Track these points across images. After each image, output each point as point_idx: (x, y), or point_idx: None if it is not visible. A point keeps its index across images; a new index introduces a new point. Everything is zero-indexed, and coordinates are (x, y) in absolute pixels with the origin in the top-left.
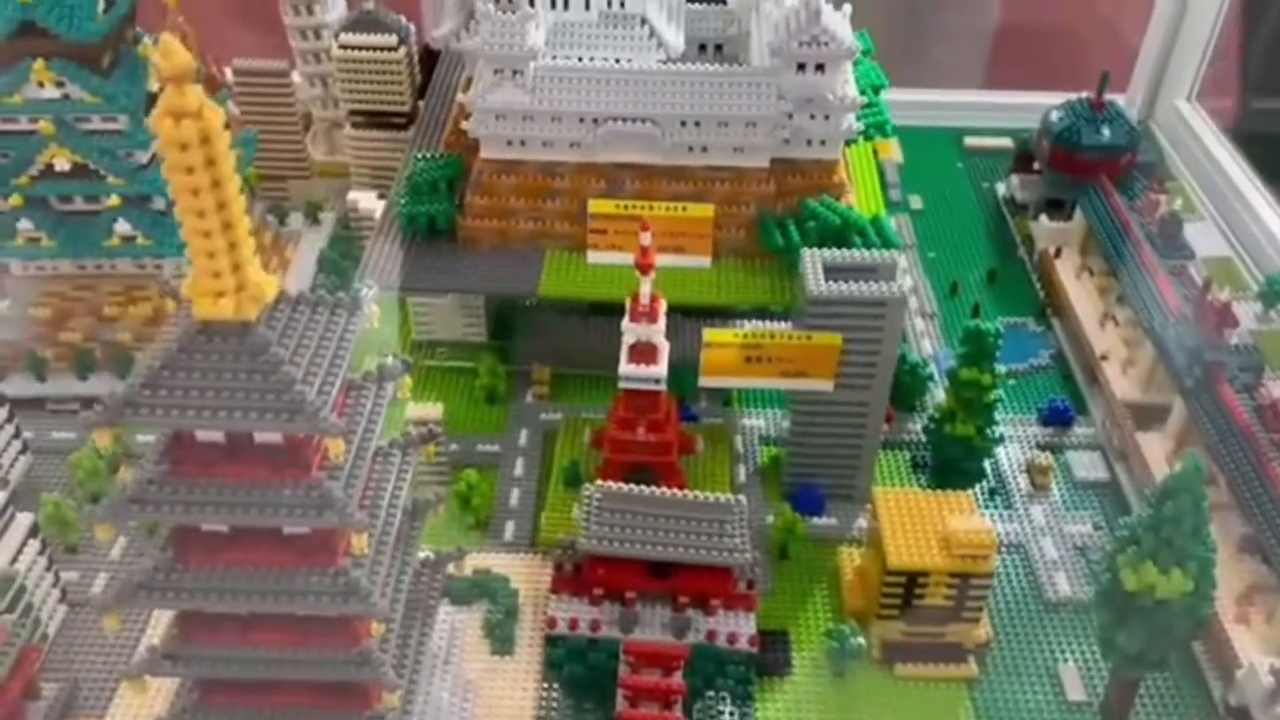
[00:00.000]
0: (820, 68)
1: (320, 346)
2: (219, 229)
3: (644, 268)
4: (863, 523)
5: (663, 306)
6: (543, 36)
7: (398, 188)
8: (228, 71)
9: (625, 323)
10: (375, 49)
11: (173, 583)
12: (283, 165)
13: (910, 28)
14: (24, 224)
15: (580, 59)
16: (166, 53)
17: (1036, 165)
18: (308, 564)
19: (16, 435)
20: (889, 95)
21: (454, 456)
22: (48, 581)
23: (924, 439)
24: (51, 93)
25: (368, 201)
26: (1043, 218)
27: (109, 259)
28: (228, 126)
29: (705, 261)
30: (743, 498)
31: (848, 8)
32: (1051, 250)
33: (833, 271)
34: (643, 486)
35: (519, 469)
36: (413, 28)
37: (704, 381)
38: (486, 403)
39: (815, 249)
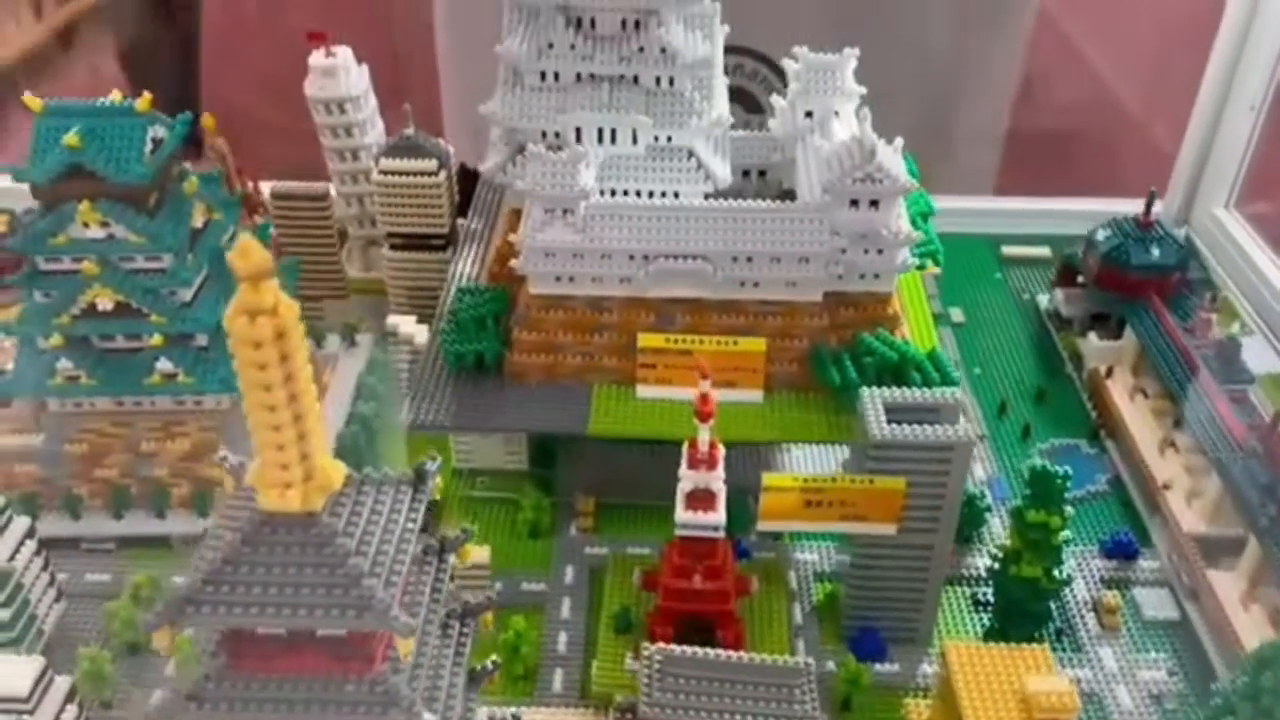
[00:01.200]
0: (874, 204)
1: (386, 531)
2: (289, 422)
3: (703, 415)
4: (927, 669)
5: (721, 453)
6: (593, 175)
7: (441, 322)
8: (265, 190)
9: (683, 469)
10: (416, 174)
11: None
12: (319, 286)
13: (934, 130)
14: (64, 363)
15: (628, 191)
16: (244, 252)
17: (1080, 279)
18: None
19: (51, 582)
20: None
21: (499, 597)
22: None
23: (985, 575)
24: (97, 233)
25: (407, 326)
26: (1092, 336)
27: (149, 396)
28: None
29: (758, 396)
30: (811, 660)
31: (899, 141)
32: (1102, 369)
33: (893, 412)
34: (707, 650)
35: (566, 610)
36: (451, 150)
37: (762, 526)
38: (530, 537)
39: (874, 388)
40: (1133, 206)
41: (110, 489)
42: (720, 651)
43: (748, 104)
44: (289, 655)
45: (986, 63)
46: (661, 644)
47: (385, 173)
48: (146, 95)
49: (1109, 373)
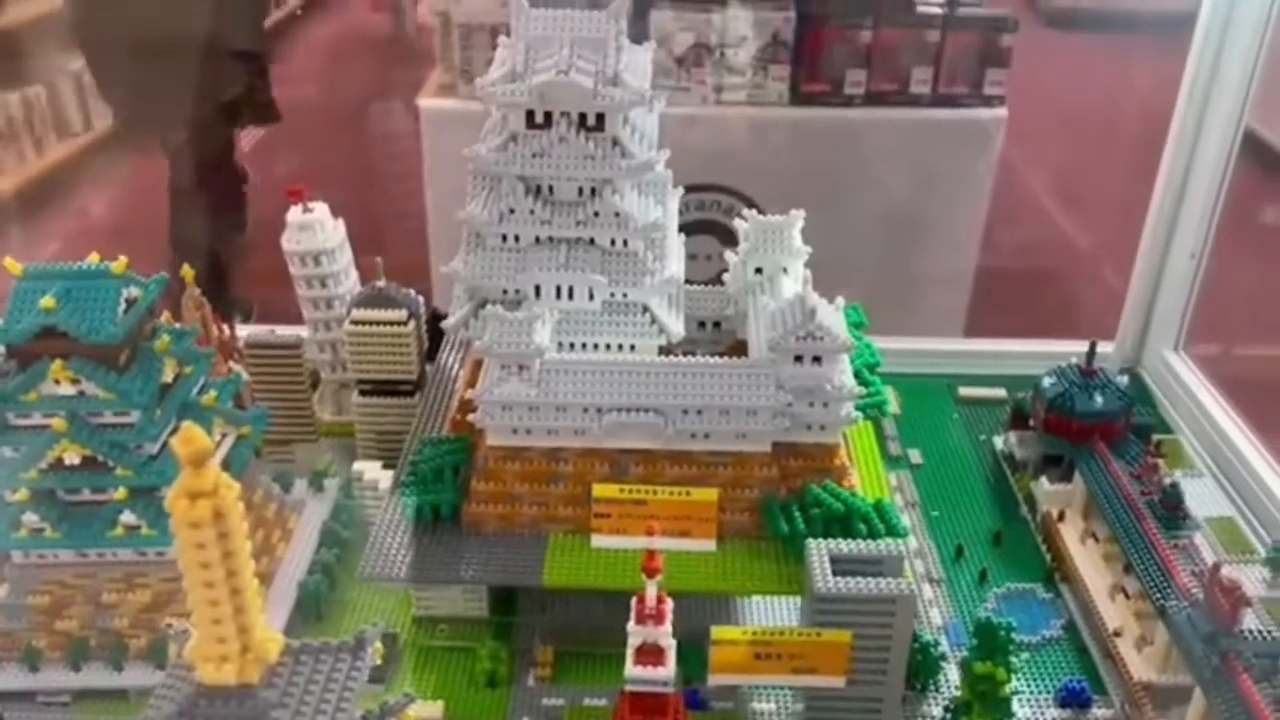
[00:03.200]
0: (817, 360)
1: (322, 702)
2: (227, 597)
3: (650, 571)
4: None
5: (670, 607)
6: (549, 333)
7: (402, 473)
8: (240, 337)
9: (631, 625)
10: (386, 324)
11: None
12: (290, 430)
13: (902, 275)
14: (29, 516)
15: (585, 345)
16: (186, 440)
17: (1031, 423)
18: None
19: None
20: (881, 343)
21: None
22: None
23: None
24: (67, 390)
25: (372, 472)
26: (1043, 480)
27: (111, 548)
28: (240, 404)
29: (710, 545)
30: None
31: (840, 300)
32: (1054, 513)
33: (839, 563)
34: None
35: None
36: (421, 300)
37: (713, 680)
38: (487, 686)
39: (821, 539)
40: (1085, 348)
41: (70, 641)
42: None
43: (723, 236)
44: None
45: (951, 211)
46: None
47: (356, 322)
48: (122, 259)
49: (1061, 516)
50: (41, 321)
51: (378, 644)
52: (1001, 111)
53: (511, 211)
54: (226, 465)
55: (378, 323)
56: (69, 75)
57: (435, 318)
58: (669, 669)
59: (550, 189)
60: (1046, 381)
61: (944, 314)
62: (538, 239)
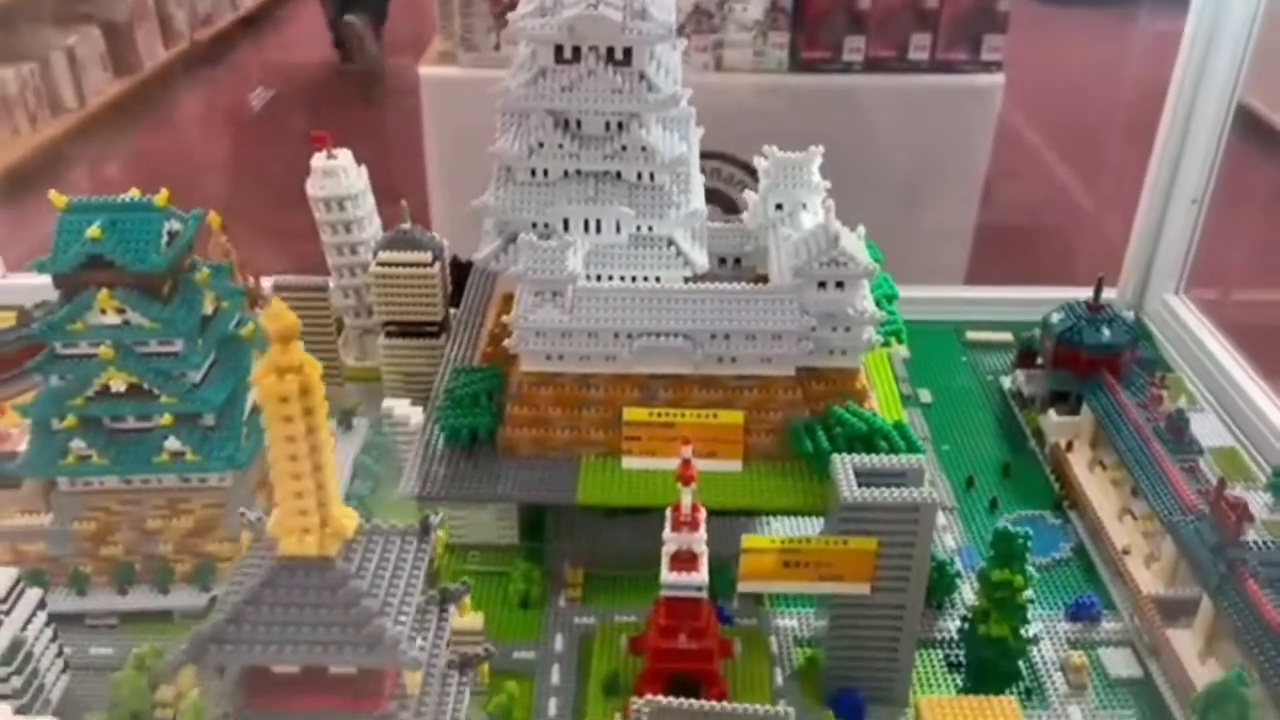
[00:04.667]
0: (840, 285)
1: (394, 577)
2: (310, 471)
3: (685, 479)
4: None
5: (703, 515)
6: (580, 261)
7: (436, 399)
8: (265, 285)
9: (666, 532)
10: (411, 265)
11: None
12: None
13: (906, 229)
14: (76, 443)
15: (613, 277)
16: (273, 316)
17: (1040, 360)
18: None
19: (59, 654)
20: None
21: (490, 664)
22: None
23: (957, 638)
24: (113, 319)
25: (402, 408)
26: (1051, 412)
27: (156, 474)
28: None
29: (737, 465)
30: (791, 709)
31: (861, 229)
32: (1063, 444)
33: (863, 476)
34: (690, 699)
35: (555, 677)
36: (446, 243)
37: (743, 588)
38: (520, 607)
39: (845, 455)
40: (1088, 293)
41: (116, 566)
42: (706, 702)
43: (725, 205)
44: (303, 694)
45: (950, 177)
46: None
47: (383, 264)
48: (164, 191)
49: (1069, 447)
50: (88, 250)
51: (439, 532)
52: (999, 77)
53: (540, 145)
54: None
55: (404, 264)
56: (62, 51)
57: (457, 264)
58: (703, 574)
59: (578, 123)
60: (1055, 317)
61: (945, 266)
62: (566, 173)
